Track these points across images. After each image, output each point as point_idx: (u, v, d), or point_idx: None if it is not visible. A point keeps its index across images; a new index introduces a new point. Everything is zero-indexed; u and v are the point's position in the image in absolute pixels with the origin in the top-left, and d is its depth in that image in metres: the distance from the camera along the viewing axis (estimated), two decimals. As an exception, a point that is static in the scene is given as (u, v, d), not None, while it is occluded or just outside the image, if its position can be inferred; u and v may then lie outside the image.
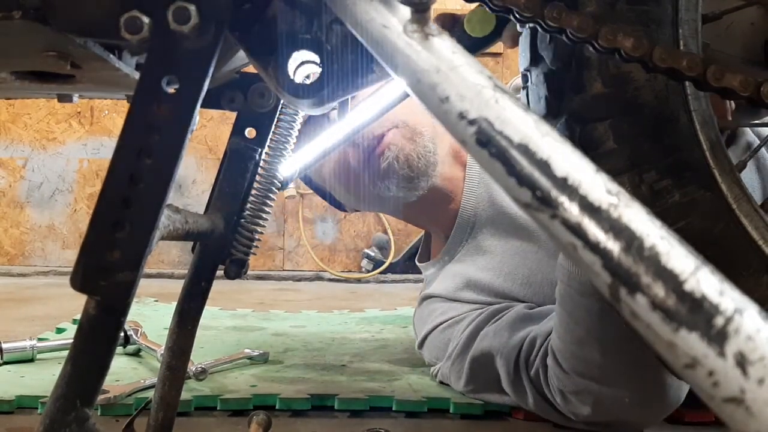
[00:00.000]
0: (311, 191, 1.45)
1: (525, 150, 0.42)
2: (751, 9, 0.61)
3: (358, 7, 0.45)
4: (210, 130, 3.19)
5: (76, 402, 0.45)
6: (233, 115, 0.76)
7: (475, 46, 0.67)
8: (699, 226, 0.51)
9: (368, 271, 3.09)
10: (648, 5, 0.50)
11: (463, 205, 1.14)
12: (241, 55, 0.55)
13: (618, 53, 0.46)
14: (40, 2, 0.47)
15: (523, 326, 0.95)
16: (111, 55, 0.56)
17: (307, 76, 0.55)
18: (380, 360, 1.29)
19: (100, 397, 0.88)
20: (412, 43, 0.44)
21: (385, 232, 3.16)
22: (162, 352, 0.76)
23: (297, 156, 0.92)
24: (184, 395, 0.79)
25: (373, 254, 3.14)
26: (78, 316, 0.47)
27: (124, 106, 0.50)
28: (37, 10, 0.46)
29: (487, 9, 0.48)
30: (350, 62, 0.54)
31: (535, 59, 0.56)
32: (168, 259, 3.18)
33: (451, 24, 0.67)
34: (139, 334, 1.30)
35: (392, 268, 3.08)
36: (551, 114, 0.55)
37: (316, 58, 0.53)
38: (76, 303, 0.47)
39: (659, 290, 0.39)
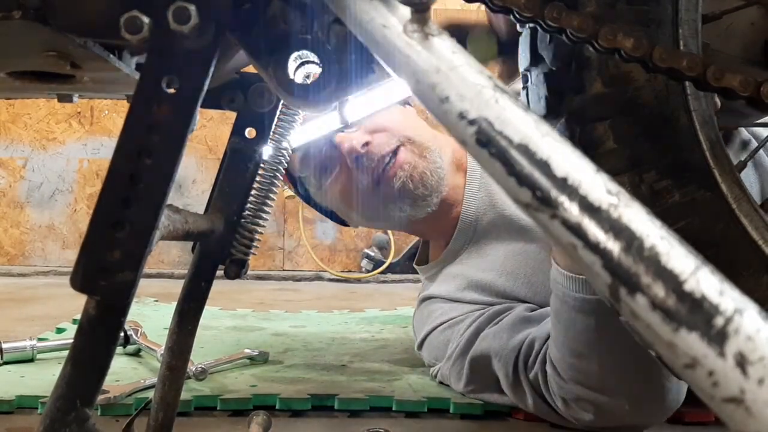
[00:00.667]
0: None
1: (525, 150, 0.42)
2: (751, 9, 0.61)
3: (358, 7, 0.45)
4: (210, 130, 3.19)
5: (76, 402, 0.45)
6: (233, 115, 0.76)
7: None
8: (699, 226, 0.51)
9: (368, 271, 3.09)
10: (648, 5, 0.50)
11: (464, 211, 1.14)
12: (241, 55, 0.55)
13: (618, 53, 0.46)
14: (40, 2, 0.46)
15: (523, 328, 0.95)
16: (111, 55, 0.56)
17: (307, 76, 0.55)
18: (380, 360, 1.29)
19: (100, 397, 0.88)
20: (412, 43, 0.44)
21: (385, 232, 3.16)
22: (162, 352, 0.76)
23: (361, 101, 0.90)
24: (184, 395, 0.79)
25: (373, 254, 3.14)
26: (78, 316, 0.47)
27: (124, 106, 0.50)
28: (37, 10, 0.46)
29: (489, 12, 0.48)
30: (350, 62, 0.54)
31: (535, 59, 0.56)
32: (168, 259, 3.18)
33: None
34: (139, 334, 1.30)
35: (392, 268, 3.08)
36: (551, 114, 0.55)
37: (316, 58, 0.53)
38: (76, 303, 0.47)
39: (659, 290, 0.39)
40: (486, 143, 0.42)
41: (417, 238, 1.37)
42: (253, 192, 0.76)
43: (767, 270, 0.53)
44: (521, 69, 0.59)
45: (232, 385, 1.09)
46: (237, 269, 0.75)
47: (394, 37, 0.45)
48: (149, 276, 2.78)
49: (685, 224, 0.51)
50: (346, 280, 3.06)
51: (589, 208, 0.41)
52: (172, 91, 0.46)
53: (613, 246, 0.40)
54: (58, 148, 3.22)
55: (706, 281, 0.39)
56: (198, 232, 0.63)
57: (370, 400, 1.01)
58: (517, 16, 0.46)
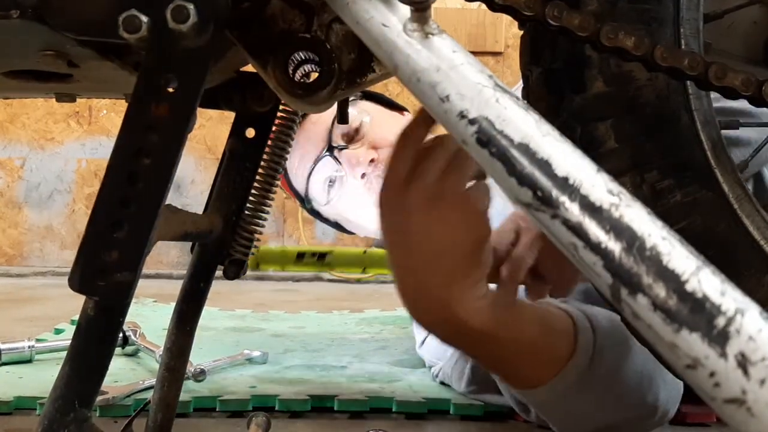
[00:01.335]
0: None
1: (526, 149, 0.41)
2: (753, 8, 0.61)
3: (358, 6, 0.45)
4: (209, 130, 3.18)
5: (75, 403, 0.45)
6: (232, 114, 0.76)
7: None
8: (700, 226, 0.51)
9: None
10: (649, 4, 0.50)
11: None
12: (240, 54, 0.55)
13: (619, 52, 0.46)
14: (38, 1, 0.46)
15: None
16: (109, 54, 0.55)
17: (307, 76, 0.55)
18: (380, 361, 1.29)
19: (99, 398, 0.87)
20: (412, 41, 0.44)
21: (385, 232, 3.16)
22: (161, 352, 0.76)
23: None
24: (183, 396, 0.79)
25: (372, 255, 3.13)
26: (76, 317, 0.47)
27: (122, 106, 0.50)
28: (34, 9, 0.46)
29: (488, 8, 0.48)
30: (350, 61, 0.54)
31: (536, 59, 0.56)
32: (167, 260, 3.18)
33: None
34: (137, 335, 1.29)
35: (391, 269, 3.08)
36: (552, 113, 0.55)
37: (315, 57, 0.53)
38: (75, 303, 0.47)
39: (660, 291, 0.39)
40: (486, 143, 0.42)
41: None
42: (252, 192, 0.75)
43: (768, 270, 0.53)
44: (522, 69, 0.59)
45: (232, 386, 1.09)
46: (236, 269, 0.75)
47: (394, 36, 0.44)
48: (148, 276, 2.77)
49: (686, 224, 0.51)
50: (346, 281, 3.05)
51: (590, 207, 0.41)
52: (170, 90, 0.46)
53: (615, 246, 0.40)
54: (56, 148, 3.21)
55: (707, 281, 0.39)
56: (197, 233, 0.63)
57: (370, 401, 1.01)
58: (518, 15, 0.46)
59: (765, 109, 0.46)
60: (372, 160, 1.11)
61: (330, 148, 1.13)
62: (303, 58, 0.54)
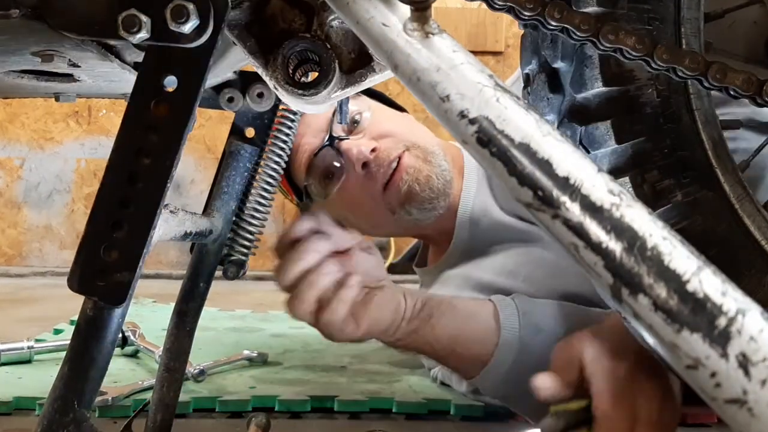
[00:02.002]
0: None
1: (526, 149, 0.41)
2: (753, 7, 0.61)
3: (358, 6, 0.45)
4: (208, 130, 3.18)
5: (74, 403, 0.45)
6: (232, 114, 0.76)
7: None
8: (701, 226, 0.51)
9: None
10: (650, 3, 0.50)
11: (460, 215, 1.13)
12: (240, 53, 0.55)
13: (620, 52, 0.46)
14: (38, 1, 0.46)
15: None
16: (109, 54, 0.55)
17: (306, 75, 0.55)
18: (380, 361, 1.29)
19: (98, 399, 0.87)
20: (412, 41, 0.44)
21: (384, 232, 3.16)
22: (160, 353, 0.76)
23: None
24: (183, 397, 0.79)
25: (372, 255, 3.13)
26: (75, 317, 0.47)
27: (121, 106, 0.50)
28: (35, 8, 0.46)
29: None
30: (350, 61, 0.54)
31: (537, 58, 0.56)
32: (166, 260, 3.18)
33: None
34: (137, 335, 1.29)
35: (392, 269, 3.08)
36: (552, 113, 0.55)
37: (315, 56, 0.53)
38: (74, 304, 0.47)
39: (661, 291, 0.39)
40: (487, 142, 0.42)
41: (417, 240, 1.37)
42: (252, 192, 0.75)
43: (769, 270, 0.52)
44: (522, 69, 0.59)
45: (231, 386, 1.09)
46: (236, 270, 0.75)
47: (394, 36, 0.44)
48: (147, 276, 2.77)
49: (687, 224, 0.51)
50: (345, 281, 3.05)
51: (590, 207, 0.41)
52: (170, 90, 0.46)
53: (615, 246, 0.40)
54: (55, 147, 3.21)
55: (708, 282, 0.39)
56: (196, 233, 0.62)
57: (370, 401, 1.01)
58: (519, 14, 0.46)
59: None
60: (373, 150, 1.09)
61: (331, 138, 1.11)
62: (303, 57, 0.53)
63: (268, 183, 0.75)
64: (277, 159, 0.75)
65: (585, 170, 0.42)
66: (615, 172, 0.51)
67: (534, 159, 0.42)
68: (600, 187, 0.41)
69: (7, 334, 1.39)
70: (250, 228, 0.75)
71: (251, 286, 2.72)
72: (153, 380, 0.77)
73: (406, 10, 0.44)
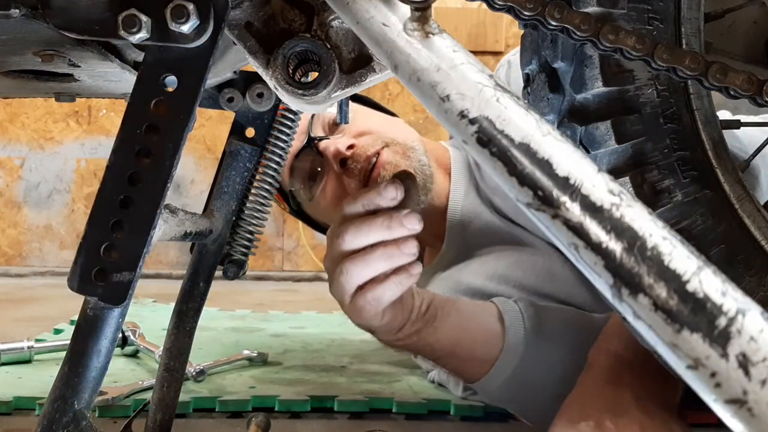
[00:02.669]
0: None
1: (526, 149, 0.41)
2: (753, 7, 0.61)
3: (358, 5, 0.45)
4: (208, 130, 3.18)
5: (74, 403, 0.45)
6: (232, 114, 0.76)
7: None
8: (701, 226, 0.51)
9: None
10: (650, 3, 0.50)
11: (449, 217, 1.13)
12: (240, 53, 0.55)
13: (620, 52, 0.46)
14: (38, 1, 0.46)
15: None
16: (109, 54, 0.55)
17: (306, 75, 0.55)
18: (380, 361, 1.29)
19: (98, 399, 0.87)
20: (412, 41, 0.44)
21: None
22: (160, 353, 0.76)
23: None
24: (183, 396, 0.79)
25: (372, 255, 3.13)
26: (75, 317, 0.47)
27: (121, 105, 0.50)
28: (35, 8, 0.46)
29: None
30: (350, 61, 0.54)
31: (537, 58, 0.56)
32: (166, 260, 3.18)
33: None
34: (137, 335, 1.29)
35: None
36: (553, 113, 0.55)
37: (315, 56, 0.53)
38: (74, 304, 0.47)
39: (662, 291, 0.39)
40: (487, 142, 0.42)
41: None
42: (252, 192, 0.75)
43: (769, 270, 0.52)
44: (523, 69, 0.59)
45: (231, 386, 1.09)
46: (236, 270, 0.75)
47: (394, 36, 0.44)
48: (147, 276, 2.77)
49: (687, 224, 0.51)
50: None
51: (591, 207, 0.41)
52: (170, 90, 0.46)
53: (615, 246, 0.40)
54: (55, 147, 3.21)
55: (708, 282, 0.39)
56: (196, 233, 0.62)
57: (370, 401, 1.01)
58: (519, 14, 0.46)
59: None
60: (351, 147, 1.09)
61: (310, 139, 1.11)
62: (303, 57, 0.53)
63: (269, 183, 0.75)
64: (277, 159, 0.75)
65: (585, 170, 0.42)
66: (615, 172, 0.51)
67: (534, 159, 0.41)
68: (600, 187, 0.41)
69: (7, 334, 1.39)
70: (250, 228, 0.75)
71: (251, 286, 2.72)
72: (153, 380, 0.77)
73: (406, 10, 0.44)
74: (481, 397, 0.90)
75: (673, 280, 0.39)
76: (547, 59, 0.55)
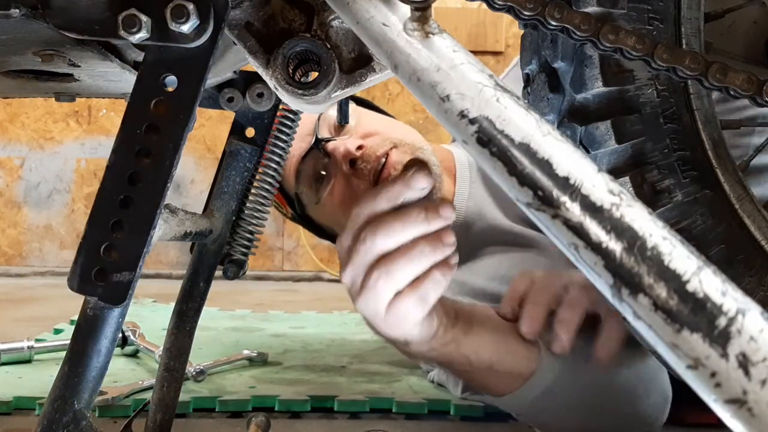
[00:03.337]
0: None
1: (526, 149, 0.41)
2: (753, 7, 0.61)
3: (358, 5, 0.45)
4: (208, 130, 3.18)
5: (74, 403, 0.45)
6: (232, 114, 0.76)
7: None
8: (701, 226, 0.51)
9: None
10: (650, 3, 0.50)
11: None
12: (240, 53, 0.55)
13: (620, 52, 0.46)
14: (38, 1, 0.46)
15: None
16: (109, 54, 0.55)
17: (306, 75, 0.55)
18: (380, 361, 1.29)
19: (98, 399, 0.87)
20: (412, 41, 0.44)
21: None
22: (160, 353, 0.76)
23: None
24: (183, 396, 0.79)
25: (372, 255, 3.13)
26: (75, 317, 0.47)
27: (121, 105, 0.50)
28: (35, 8, 0.46)
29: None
30: (350, 61, 0.54)
31: (537, 58, 0.56)
32: (166, 260, 3.18)
33: None
34: (137, 335, 1.29)
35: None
36: (553, 113, 0.55)
37: (315, 56, 0.53)
38: (74, 303, 0.47)
39: (662, 291, 0.39)
40: (487, 142, 0.42)
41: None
42: (252, 192, 0.75)
43: (769, 270, 0.52)
44: (522, 69, 0.59)
45: (231, 386, 1.09)
46: (236, 269, 0.75)
47: (394, 36, 0.44)
48: (147, 276, 2.77)
49: (687, 224, 0.51)
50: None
51: (590, 207, 0.41)
52: (170, 90, 0.46)
53: (615, 246, 0.40)
54: (55, 147, 3.21)
55: (708, 282, 0.39)
56: (196, 233, 0.62)
57: (370, 401, 1.01)
58: (519, 14, 0.46)
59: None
60: (360, 147, 1.08)
61: (317, 141, 1.10)
62: (303, 57, 0.53)
63: (269, 183, 0.75)
64: (277, 159, 0.76)
65: (585, 170, 0.42)
66: (615, 172, 0.51)
67: (534, 159, 0.41)
68: (600, 187, 0.41)
69: (7, 334, 1.39)
70: (250, 228, 0.75)
71: (251, 286, 2.72)
72: (153, 380, 0.77)
73: (406, 9, 0.44)
74: (501, 407, 0.85)
75: (673, 280, 0.39)
76: (547, 59, 0.55)
